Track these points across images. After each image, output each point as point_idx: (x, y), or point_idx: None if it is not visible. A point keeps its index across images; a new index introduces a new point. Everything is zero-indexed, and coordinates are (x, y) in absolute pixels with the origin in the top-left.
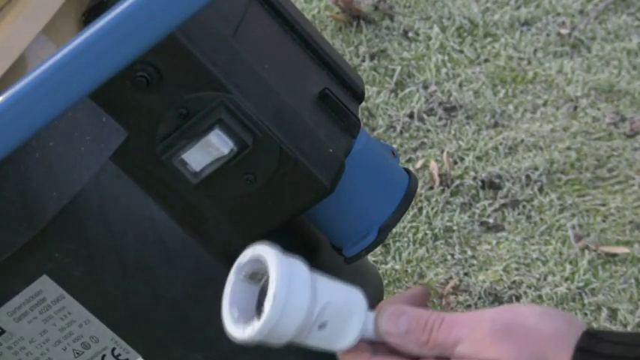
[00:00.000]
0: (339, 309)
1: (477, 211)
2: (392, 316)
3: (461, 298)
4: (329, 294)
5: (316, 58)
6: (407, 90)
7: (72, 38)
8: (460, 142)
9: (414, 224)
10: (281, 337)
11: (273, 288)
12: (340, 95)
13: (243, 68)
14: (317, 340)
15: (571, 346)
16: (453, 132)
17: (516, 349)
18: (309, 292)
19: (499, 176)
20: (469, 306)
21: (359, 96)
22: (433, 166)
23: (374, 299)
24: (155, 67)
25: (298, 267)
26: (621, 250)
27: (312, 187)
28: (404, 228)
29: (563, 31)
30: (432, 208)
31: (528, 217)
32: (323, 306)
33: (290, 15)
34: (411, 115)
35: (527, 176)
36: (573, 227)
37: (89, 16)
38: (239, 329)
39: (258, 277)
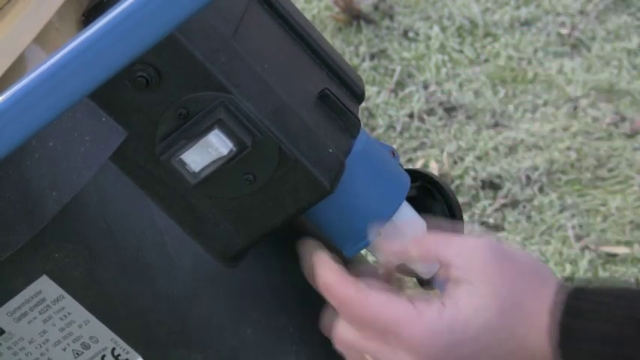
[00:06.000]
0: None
1: (477, 211)
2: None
3: None
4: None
5: (316, 58)
6: (407, 90)
7: (71, 38)
8: (460, 142)
9: None
10: None
11: None
12: (340, 95)
13: (242, 68)
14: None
15: (553, 285)
16: (452, 132)
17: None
18: None
19: (499, 176)
20: None
21: (359, 96)
22: (433, 166)
23: None
24: (155, 67)
25: None
26: (621, 250)
27: (313, 188)
28: None
29: (563, 31)
30: None
31: (528, 217)
32: None
33: (290, 15)
34: (411, 115)
35: (528, 176)
36: (573, 227)
37: (88, 16)
38: None
39: None
